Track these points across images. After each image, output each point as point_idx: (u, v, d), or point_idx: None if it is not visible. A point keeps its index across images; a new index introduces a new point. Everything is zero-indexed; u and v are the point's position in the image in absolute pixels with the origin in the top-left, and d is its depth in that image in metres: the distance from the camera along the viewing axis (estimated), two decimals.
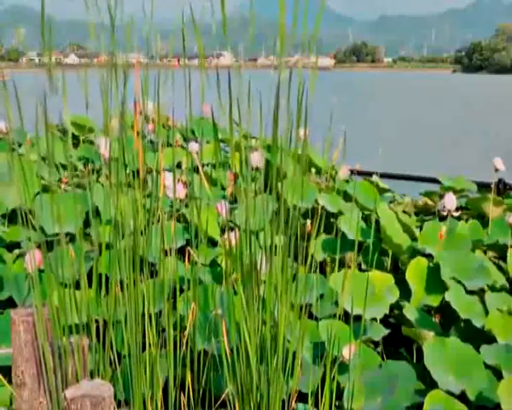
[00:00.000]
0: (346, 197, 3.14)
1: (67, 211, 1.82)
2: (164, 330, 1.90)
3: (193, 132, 4.21)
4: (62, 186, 3.07)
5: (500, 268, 2.82)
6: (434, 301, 2.55)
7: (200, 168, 2.02)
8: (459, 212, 3.03)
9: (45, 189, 1.76)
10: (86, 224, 2.51)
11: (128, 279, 1.77)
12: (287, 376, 1.78)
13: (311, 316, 2.26)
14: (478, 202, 3.36)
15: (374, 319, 2.40)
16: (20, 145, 2.82)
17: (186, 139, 4.01)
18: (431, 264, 2.64)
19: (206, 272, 2.50)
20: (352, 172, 3.71)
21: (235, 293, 1.79)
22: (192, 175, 2.26)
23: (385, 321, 2.51)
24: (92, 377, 1.80)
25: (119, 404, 1.88)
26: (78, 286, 1.76)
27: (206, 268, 2.53)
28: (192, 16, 1.68)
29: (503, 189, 3.67)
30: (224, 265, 1.87)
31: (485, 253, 2.98)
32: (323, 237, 2.89)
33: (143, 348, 1.82)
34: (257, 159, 2.87)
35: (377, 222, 2.83)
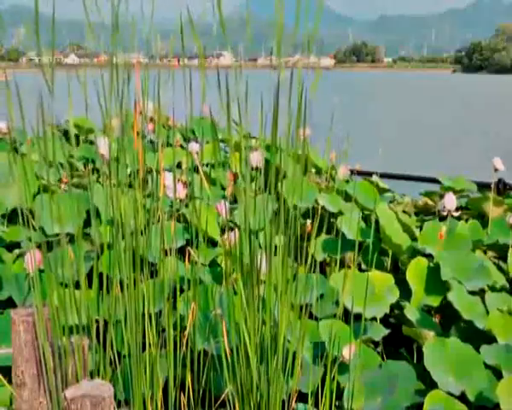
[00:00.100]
0: (346, 197, 3.14)
1: (67, 211, 1.82)
2: (164, 330, 1.90)
3: (193, 132, 4.21)
4: (62, 186, 3.07)
5: (500, 268, 2.82)
6: (434, 301, 2.55)
7: (200, 168, 2.02)
8: (459, 212, 3.03)
9: (45, 189, 1.75)
10: (86, 224, 2.52)
11: (128, 279, 1.77)
12: (287, 376, 1.78)
13: (311, 316, 2.26)
14: (478, 202, 3.36)
15: (374, 319, 2.41)
16: (21, 145, 2.82)
17: (186, 139, 4.01)
18: (431, 264, 2.64)
19: (206, 272, 2.50)
20: (352, 172, 3.71)
21: (235, 293, 1.79)
22: (192, 175, 2.26)
23: (385, 321, 2.51)
24: (92, 377, 1.80)
25: (119, 404, 1.88)
26: (78, 286, 1.76)
27: (206, 268, 2.53)
28: (189, 17, 1.68)
29: (502, 189, 3.67)
30: (223, 265, 1.87)
31: (485, 253, 2.98)
32: (323, 237, 2.89)
33: (143, 348, 1.82)
34: (257, 159, 2.87)
35: (377, 222, 2.83)
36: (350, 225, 2.76)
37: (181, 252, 2.42)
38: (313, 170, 3.62)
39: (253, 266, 1.75)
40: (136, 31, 1.79)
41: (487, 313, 2.41)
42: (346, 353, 2.04)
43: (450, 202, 2.89)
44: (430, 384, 2.10)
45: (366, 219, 3.08)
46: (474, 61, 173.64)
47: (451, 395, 2.03)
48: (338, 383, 1.93)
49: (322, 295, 2.46)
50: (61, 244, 1.75)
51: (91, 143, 4.45)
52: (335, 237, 2.84)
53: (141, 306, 1.79)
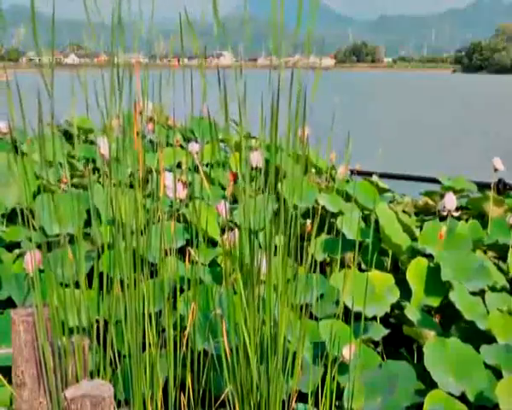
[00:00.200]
0: (346, 197, 3.14)
1: (67, 211, 1.82)
2: (164, 330, 1.90)
3: (192, 132, 4.21)
4: (62, 186, 3.07)
5: (500, 268, 2.82)
6: (434, 301, 2.55)
7: (200, 168, 2.02)
8: (459, 212, 3.03)
9: (45, 189, 1.75)
10: (86, 224, 2.52)
11: (128, 279, 1.77)
12: (287, 376, 1.78)
13: (311, 316, 2.26)
14: (478, 202, 3.36)
15: (374, 319, 2.41)
16: (21, 145, 2.82)
17: (186, 139, 4.01)
18: (431, 264, 2.64)
19: (206, 272, 2.50)
20: (352, 172, 3.71)
21: (235, 293, 1.79)
22: (193, 175, 2.26)
23: (385, 321, 2.51)
24: (92, 377, 1.80)
25: (119, 404, 1.88)
26: (78, 286, 1.76)
27: (206, 268, 2.53)
28: (186, 17, 1.68)
29: (502, 189, 3.67)
30: (223, 265, 1.87)
31: (485, 253, 2.98)
32: (323, 237, 2.89)
33: (143, 348, 1.82)
34: (257, 159, 2.87)
35: (377, 222, 2.83)
36: (350, 225, 2.76)
37: (181, 252, 2.42)
38: (313, 170, 3.61)
39: (253, 266, 1.75)
40: (136, 31, 1.79)
41: (488, 313, 2.41)
42: (346, 353, 2.04)
43: (451, 201, 2.89)
44: (430, 384, 2.10)
45: (366, 219, 3.08)
46: (474, 61, 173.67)
47: (451, 395, 2.03)
48: (338, 383, 1.93)
49: (322, 295, 2.46)
50: (61, 244, 1.75)
51: (92, 142, 4.45)
52: (335, 237, 2.84)
53: (141, 306, 1.79)
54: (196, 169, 2.48)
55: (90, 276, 1.86)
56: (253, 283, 1.74)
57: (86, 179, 3.18)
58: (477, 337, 2.30)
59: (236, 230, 1.90)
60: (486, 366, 2.14)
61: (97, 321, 1.82)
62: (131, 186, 1.82)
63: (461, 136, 20.37)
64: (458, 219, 3.04)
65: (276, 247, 1.75)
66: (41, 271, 1.87)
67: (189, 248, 2.06)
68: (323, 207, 2.97)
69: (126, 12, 1.70)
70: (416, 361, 2.42)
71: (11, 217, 3.07)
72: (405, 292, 2.55)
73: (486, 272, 2.58)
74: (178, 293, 2.12)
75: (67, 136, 4.67)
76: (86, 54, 1.81)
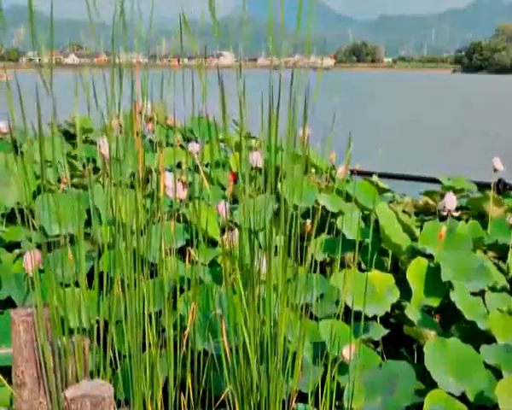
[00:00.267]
0: (347, 197, 3.14)
1: (68, 211, 1.82)
2: (164, 330, 1.90)
3: (191, 132, 4.21)
4: (62, 186, 3.07)
5: (500, 268, 2.82)
6: (435, 301, 2.55)
7: (200, 168, 2.02)
8: (459, 212, 3.03)
9: (44, 189, 1.75)
10: (86, 224, 2.52)
11: (128, 279, 1.77)
12: (287, 376, 1.78)
13: (311, 316, 2.26)
14: (479, 202, 3.36)
15: (374, 319, 2.41)
16: (21, 145, 2.82)
17: (186, 139, 4.01)
18: (431, 264, 2.64)
19: (206, 272, 2.50)
20: (352, 172, 3.71)
21: (235, 293, 1.79)
22: (193, 175, 2.26)
23: (385, 321, 2.51)
24: (92, 377, 1.80)
25: (118, 404, 1.88)
26: (78, 286, 1.76)
27: (206, 268, 2.53)
28: (184, 18, 1.68)
29: (502, 189, 3.67)
30: (223, 265, 1.87)
31: (484, 253, 2.98)
32: (323, 237, 2.89)
33: (143, 348, 1.82)
34: (257, 159, 2.87)
35: (377, 222, 2.83)
36: (350, 225, 2.76)
37: (181, 252, 2.42)
38: (313, 170, 3.61)
39: (252, 266, 1.75)
40: (136, 31, 1.80)
41: (488, 313, 2.41)
42: (346, 353, 2.04)
43: (451, 201, 2.89)
44: (430, 384, 2.10)
45: (366, 219, 3.08)
46: (474, 61, 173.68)
47: (451, 394, 2.03)
48: (338, 383, 1.93)
49: (322, 295, 2.46)
50: (61, 244, 1.75)
51: (92, 142, 4.45)
52: (335, 237, 2.84)
53: (141, 306, 1.79)
54: (196, 169, 2.48)
55: (90, 276, 1.86)
56: (253, 283, 1.74)
57: (86, 179, 3.18)
58: (477, 337, 2.30)
59: (236, 230, 1.90)
60: (486, 365, 2.14)
61: (97, 321, 1.82)
62: (132, 186, 1.82)
63: (461, 136, 20.37)
64: (458, 219, 3.04)
65: (276, 247, 1.74)
66: (41, 271, 1.87)
67: (189, 248, 2.06)
68: (323, 207, 2.96)
69: (126, 12, 1.70)
70: (416, 361, 2.42)
71: (11, 217, 3.07)
72: (405, 292, 2.55)
73: (487, 273, 2.58)
74: (178, 293, 2.12)
75: (67, 136, 4.67)
76: (86, 54, 1.81)
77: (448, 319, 2.54)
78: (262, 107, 1.70)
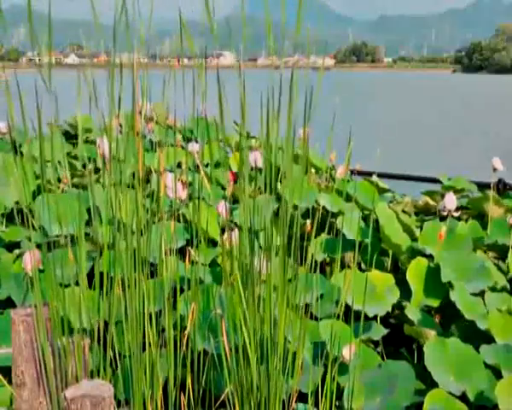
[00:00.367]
0: (346, 197, 3.14)
1: (68, 211, 1.82)
2: (164, 330, 1.90)
3: (191, 132, 4.21)
4: (61, 186, 3.07)
5: (500, 268, 2.82)
6: (434, 301, 2.55)
7: (201, 168, 2.02)
8: (459, 212, 3.03)
9: (44, 188, 1.76)
10: (86, 224, 2.51)
11: (129, 279, 1.77)
12: (287, 376, 1.78)
13: (311, 316, 2.26)
14: (478, 202, 3.36)
15: (374, 319, 2.41)
16: (20, 145, 2.82)
17: (186, 139, 4.01)
18: (431, 264, 2.64)
19: (206, 272, 2.50)
20: (352, 172, 3.70)
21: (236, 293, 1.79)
22: (193, 175, 2.26)
23: (385, 321, 2.51)
24: (92, 377, 1.80)
25: (118, 404, 1.87)
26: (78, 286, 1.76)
27: (206, 268, 2.53)
28: (180, 18, 1.68)
29: (502, 189, 3.67)
30: (224, 264, 1.87)
31: (484, 253, 2.98)
32: (323, 237, 2.89)
33: (143, 348, 1.82)
34: (257, 159, 2.87)
35: (377, 222, 2.83)
36: (350, 225, 2.76)
37: (181, 252, 2.42)
38: (313, 170, 3.61)
39: (252, 266, 1.75)
40: (136, 31, 1.79)
41: (487, 313, 2.41)
42: (346, 353, 2.04)
43: (451, 201, 2.89)
44: (430, 384, 2.10)
45: (366, 219, 3.08)
46: (474, 61, 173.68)
47: (451, 394, 2.03)
48: (338, 383, 1.93)
49: (322, 295, 2.46)
50: (61, 244, 1.75)
51: (92, 142, 4.45)
52: (335, 237, 2.84)
53: (141, 306, 1.79)
54: (197, 169, 2.48)
55: (90, 276, 1.86)
56: (252, 283, 1.74)
57: (86, 179, 3.18)
58: (477, 337, 2.30)
59: (236, 230, 1.90)
60: (486, 365, 2.15)
61: (97, 321, 1.82)
62: (132, 186, 1.82)
63: (461, 136, 20.37)
64: (458, 219, 3.04)
65: (276, 247, 1.74)
66: (40, 271, 1.87)
67: (189, 248, 2.06)
68: (323, 207, 2.97)
69: (126, 12, 1.70)
70: (416, 361, 2.42)
71: (11, 217, 3.07)
72: (405, 292, 2.55)
73: (487, 273, 2.58)
74: (178, 293, 2.12)
75: (67, 136, 4.67)
76: (86, 54, 1.81)
77: (448, 318, 2.54)
78: (261, 107, 1.70)
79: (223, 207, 2.38)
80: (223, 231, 2.04)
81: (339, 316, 1.92)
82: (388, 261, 2.95)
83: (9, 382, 1.83)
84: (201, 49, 1.76)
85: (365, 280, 1.94)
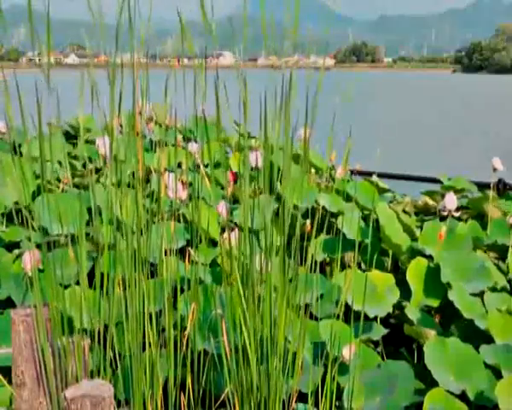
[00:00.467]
0: (346, 197, 3.14)
1: (68, 211, 1.82)
2: (164, 330, 1.90)
3: (191, 132, 4.20)
4: (62, 186, 3.07)
5: (500, 269, 2.82)
6: (434, 301, 2.55)
7: (201, 168, 2.02)
8: (459, 212, 3.03)
9: (44, 188, 1.76)
10: (86, 224, 2.51)
11: (129, 279, 1.77)
12: (287, 376, 1.78)
13: (311, 316, 2.25)
14: (478, 202, 3.36)
15: (374, 319, 2.41)
16: (19, 145, 2.82)
17: (185, 139, 4.01)
18: (431, 264, 2.64)
19: (206, 272, 2.50)
20: (352, 172, 3.70)
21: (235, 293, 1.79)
22: (194, 175, 2.26)
23: (385, 321, 2.51)
24: (92, 377, 1.80)
25: (118, 404, 1.87)
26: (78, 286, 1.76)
27: (207, 268, 2.53)
28: (180, 19, 1.68)
29: (502, 189, 3.67)
30: (223, 265, 1.87)
31: (484, 253, 2.98)
32: (323, 237, 2.88)
33: (143, 348, 1.82)
34: (257, 159, 2.87)
35: (377, 222, 2.83)
36: (350, 225, 2.76)
37: (181, 252, 2.42)
38: (313, 170, 3.61)
39: (252, 266, 1.75)
40: (136, 31, 1.79)
41: (487, 312, 2.41)
42: (346, 353, 2.04)
43: (451, 201, 2.89)
44: (430, 384, 2.10)
45: (366, 219, 3.08)
46: (474, 61, 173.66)
47: (451, 393, 2.03)
48: (338, 383, 1.93)
49: (322, 295, 2.46)
50: (61, 244, 1.75)
51: (92, 142, 4.45)
52: (335, 237, 2.84)
53: (141, 306, 1.79)
54: (197, 169, 2.48)
55: (90, 276, 1.86)
56: (252, 283, 1.74)
57: (87, 179, 3.18)
58: (477, 337, 2.30)
59: (236, 230, 1.90)
60: (486, 365, 2.15)
61: (98, 321, 1.82)
62: (132, 186, 1.82)
63: (461, 136, 20.37)
64: (458, 219, 3.04)
65: (276, 247, 1.74)
66: (40, 271, 1.87)
67: (190, 248, 2.06)
68: (323, 207, 2.96)
69: (126, 12, 1.70)
70: (416, 361, 2.42)
71: (11, 217, 3.07)
72: (405, 292, 2.55)
73: (487, 273, 2.58)
74: (178, 293, 2.12)
75: (67, 136, 4.67)
76: (86, 54, 1.81)
77: (448, 318, 2.54)
78: (261, 107, 1.70)
79: (223, 207, 2.38)
80: (223, 231, 2.04)
81: (339, 316, 1.92)
82: (388, 261, 2.94)
83: (9, 382, 1.83)
84: (201, 49, 1.76)
85: (365, 280, 1.94)
